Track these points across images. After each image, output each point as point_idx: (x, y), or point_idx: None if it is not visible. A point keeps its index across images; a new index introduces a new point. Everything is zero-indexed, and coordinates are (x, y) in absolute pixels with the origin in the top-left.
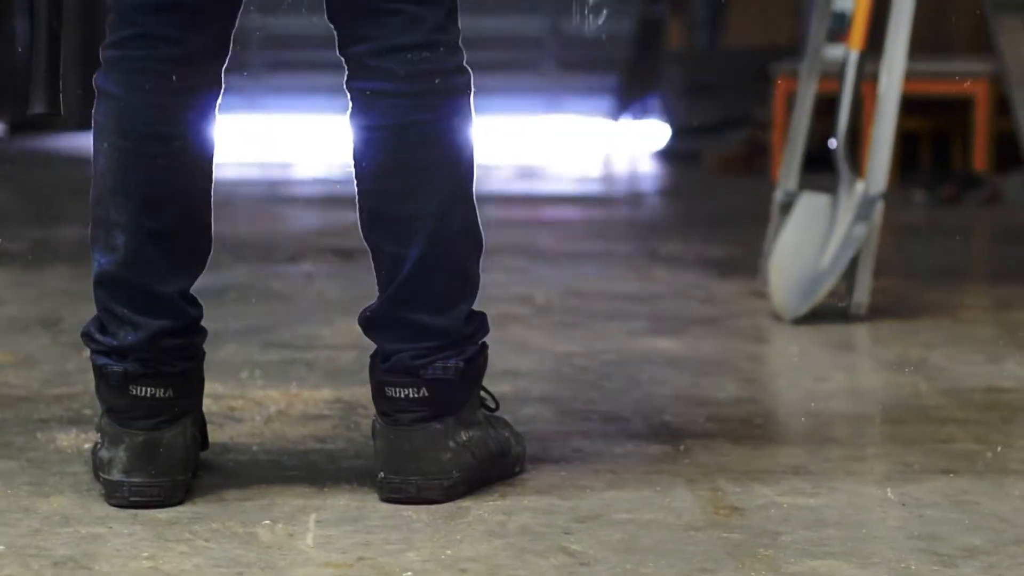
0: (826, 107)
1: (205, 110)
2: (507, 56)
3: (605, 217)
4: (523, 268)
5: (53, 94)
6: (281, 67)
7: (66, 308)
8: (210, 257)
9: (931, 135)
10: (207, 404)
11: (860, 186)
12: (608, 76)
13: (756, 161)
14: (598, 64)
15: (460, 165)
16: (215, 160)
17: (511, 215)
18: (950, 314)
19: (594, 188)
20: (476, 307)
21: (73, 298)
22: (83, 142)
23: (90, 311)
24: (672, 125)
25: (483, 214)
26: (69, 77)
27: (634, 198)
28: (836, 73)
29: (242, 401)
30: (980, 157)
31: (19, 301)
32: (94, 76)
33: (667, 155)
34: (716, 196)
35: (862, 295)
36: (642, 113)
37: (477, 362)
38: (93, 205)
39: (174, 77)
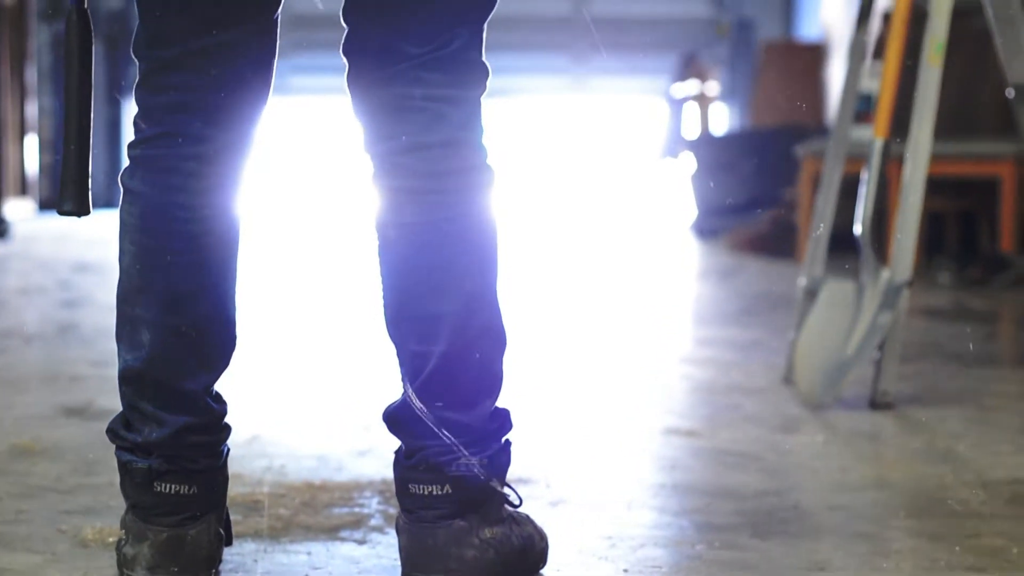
0: (853, 187)
1: (230, 207)
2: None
3: (631, 296)
4: (535, 352)
5: (82, 194)
6: (307, 47)
7: (91, 395)
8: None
9: (958, 215)
10: (231, 496)
11: (885, 274)
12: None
13: (782, 241)
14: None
15: (485, 263)
16: (240, 256)
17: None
18: (976, 402)
19: (621, 264)
20: (499, 404)
21: (98, 384)
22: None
23: (115, 398)
24: (700, 203)
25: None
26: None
27: (659, 277)
28: (862, 154)
29: (266, 492)
30: (1007, 238)
31: (44, 387)
32: (120, 174)
33: (695, 232)
34: (743, 276)
35: (888, 383)
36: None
37: (501, 459)
38: (119, 302)
39: (199, 175)
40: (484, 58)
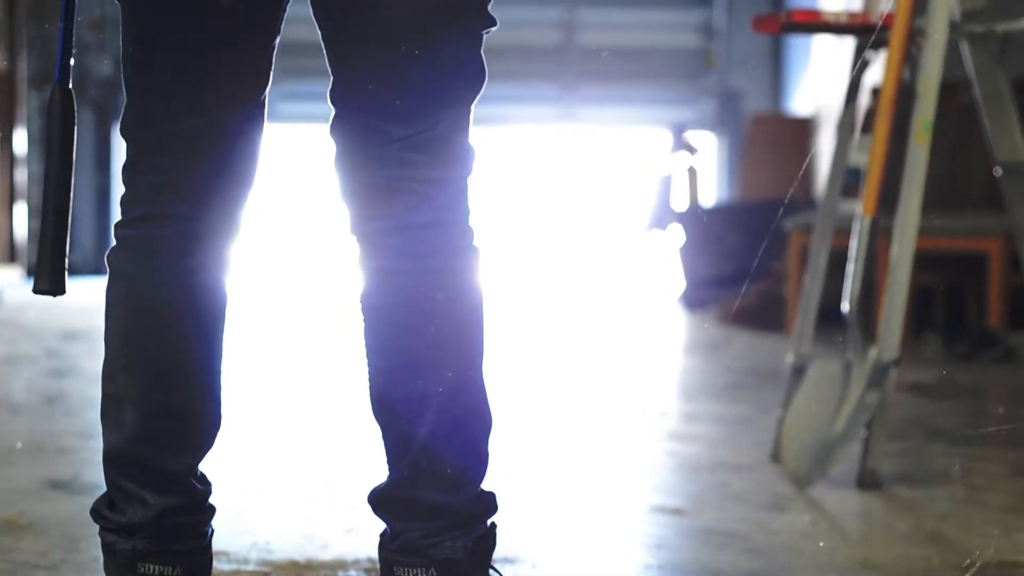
0: (842, 260)
1: (217, 286)
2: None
3: (616, 369)
4: (521, 426)
5: (58, 274)
6: (295, 73)
7: (77, 468)
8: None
9: (946, 290)
10: (216, 573)
11: (873, 352)
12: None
13: (771, 314)
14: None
15: (470, 344)
16: (226, 333)
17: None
18: (964, 481)
19: (608, 335)
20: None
21: (85, 457)
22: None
23: (101, 471)
24: (688, 274)
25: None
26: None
27: (646, 350)
28: (850, 227)
29: (252, 570)
30: (995, 313)
31: (29, 459)
32: (107, 253)
33: (682, 303)
34: (731, 350)
35: (875, 461)
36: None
37: (487, 541)
38: (104, 381)
39: (185, 255)
40: (471, 140)
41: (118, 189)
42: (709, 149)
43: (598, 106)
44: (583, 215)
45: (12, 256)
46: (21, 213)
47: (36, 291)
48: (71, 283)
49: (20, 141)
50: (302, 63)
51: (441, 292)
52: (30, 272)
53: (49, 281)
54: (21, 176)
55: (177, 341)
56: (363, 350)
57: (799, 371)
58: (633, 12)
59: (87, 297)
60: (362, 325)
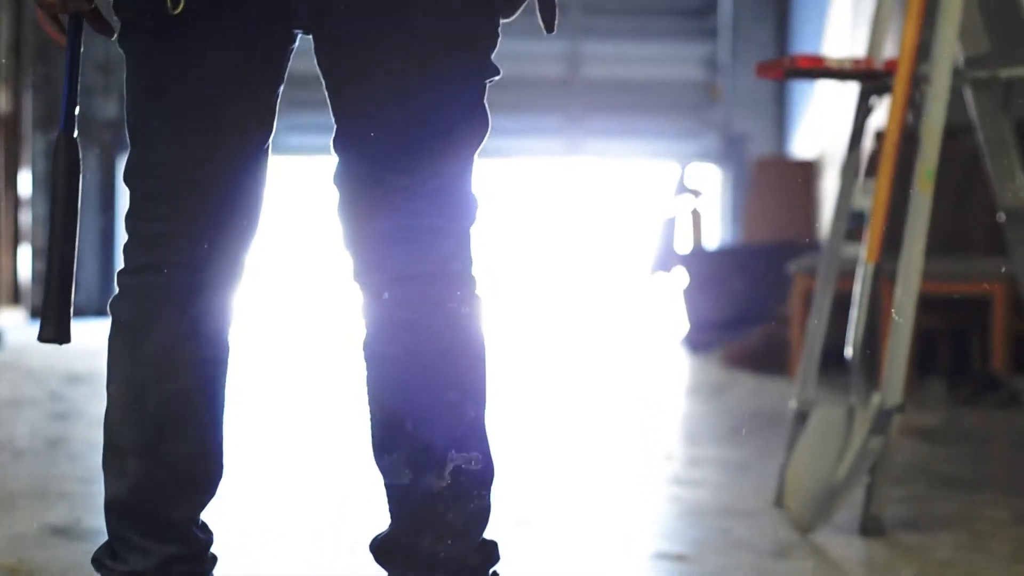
0: (846, 303)
1: (218, 338)
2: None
3: (620, 411)
4: (524, 471)
5: (63, 322)
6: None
7: (79, 513)
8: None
9: (949, 333)
10: None
11: (876, 398)
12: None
13: (775, 357)
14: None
15: (473, 394)
16: (228, 383)
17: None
18: (968, 527)
19: (611, 378)
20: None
21: (86, 502)
22: (99, 329)
23: (102, 517)
24: (692, 317)
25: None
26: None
27: (651, 393)
28: (854, 270)
29: None
30: (999, 357)
31: (31, 504)
32: (109, 301)
33: (686, 346)
34: (734, 393)
35: (878, 507)
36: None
37: None
38: (105, 430)
39: (187, 305)
40: (474, 189)
41: (122, 230)
42: (713, 186)
43: (603, 138)
44: (589, 249)
45: (16, 298)
46: (25, 255)
47: (41, 339)
48: (75, 326)
49: (25, 183)
50: (305, 95)
51: (444, 343)
52: (34, 314)
53: (54, 330)
54: (25, 218)
55: (179, 392)
56: (365, 397)
57: (802, 417)
58: (637, 45)
59: (90, 339)
60: (365, 373)
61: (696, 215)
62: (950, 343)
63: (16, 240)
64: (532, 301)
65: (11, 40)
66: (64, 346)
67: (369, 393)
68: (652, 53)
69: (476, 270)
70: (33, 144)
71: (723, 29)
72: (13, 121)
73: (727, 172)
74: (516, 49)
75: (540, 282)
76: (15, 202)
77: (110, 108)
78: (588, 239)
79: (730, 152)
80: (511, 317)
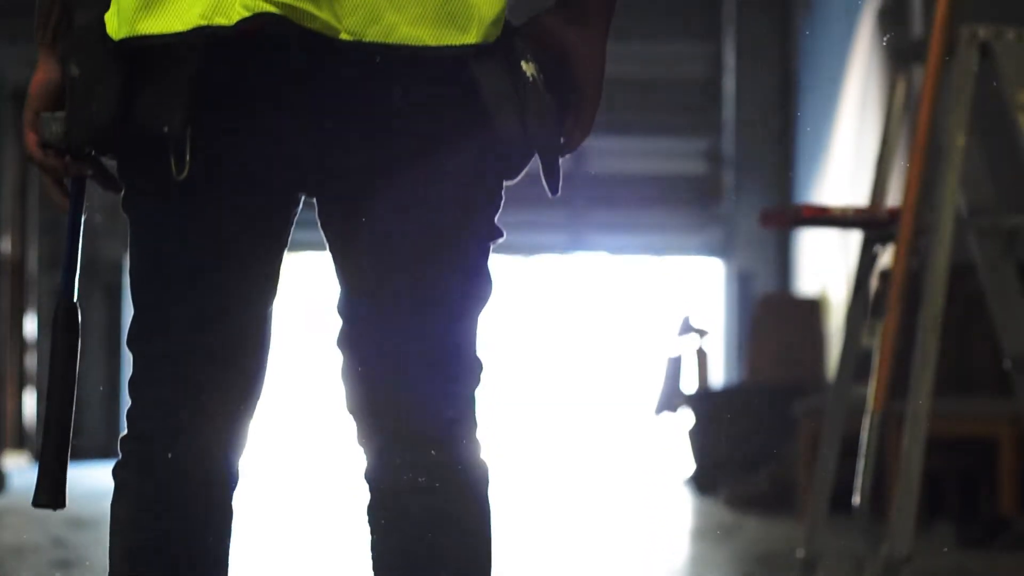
0: (854, 445)
1: (223, 503)
2: None
3: (624, 555)
4: None
5: (58, 488)
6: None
7: None
8: None
9: (957, 474)
10: None
11: (884, 549)
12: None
13: (782, 499)
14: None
15: (477, 560)
16: (232, 544)
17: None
18: None
19: (616, 519)
20: None
21: None
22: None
23: None
24: (698, 457)
25: None
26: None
27: (655, 534)
28: (862, 411)
29: None
30: (1007, 498)
31: None
32: (113, 466)
33: (692, 487)
34: (741, 536)
35: None
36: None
37: None
38: None
39: (193, 472)
40: (479, 352)
41: (127, 370)
42: (717, 325)
43: (607, 232)
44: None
45: (21, 441)
46: (31, 398)
47: (35, 505)
48: (80, 469)
49: (30, 326)
50: None
51: (447, 509)
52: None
53: (49, 495)
54: (31, 361)
55: (182, 555)
56: (369, 555)
57: (810, 566)
58: (640, 140)
59: (94, 482)
60: (369, 537)
61: (702, 355)
62: (957, 484)
63: (22, 383)
64: (535, 421)
65: (16, 183)
66: (68, 488)
67: (372, 553)
68: (654, 147)
69: (481, 433)
70: (39, 285)
71: (727, 122)
72: (19, 264)
73: (731, 310)
74: None
75: (544, 396)
76: (20, 345)
77: (115, 248)
78: (594, 340)
79: (734, 290)
80: (513, 446)
